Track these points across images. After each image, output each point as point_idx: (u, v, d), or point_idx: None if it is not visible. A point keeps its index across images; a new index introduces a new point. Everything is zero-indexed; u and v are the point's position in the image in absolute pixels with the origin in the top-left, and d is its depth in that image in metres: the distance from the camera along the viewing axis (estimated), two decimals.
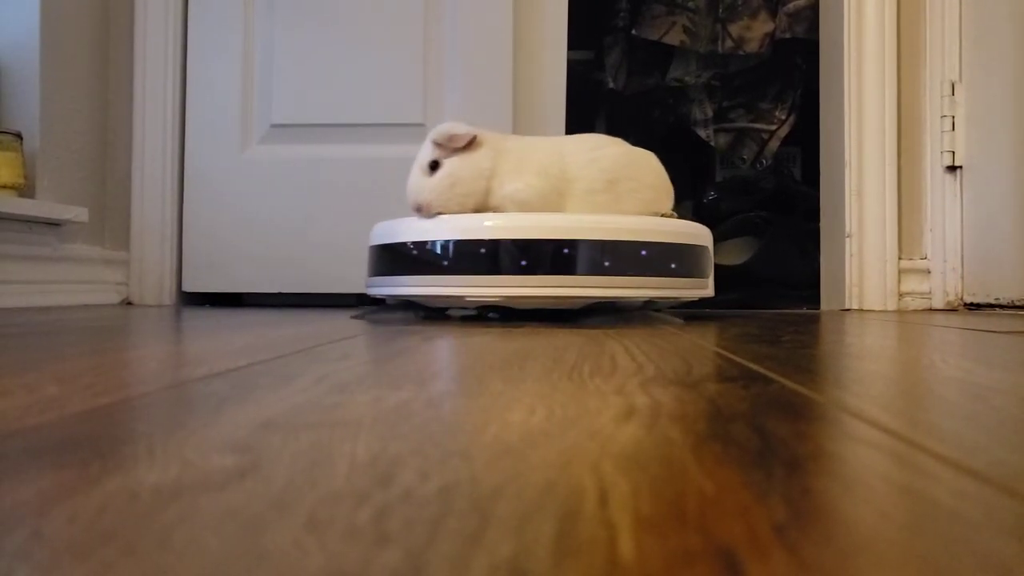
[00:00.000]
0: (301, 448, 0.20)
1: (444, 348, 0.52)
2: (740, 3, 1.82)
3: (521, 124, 1.33)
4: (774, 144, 1.87)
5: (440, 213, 0.82)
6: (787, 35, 1.80)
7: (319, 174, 1.34)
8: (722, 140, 1.90)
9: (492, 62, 1.31)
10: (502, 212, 0.82)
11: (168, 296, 1.34)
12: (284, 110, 1.35)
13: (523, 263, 0.77)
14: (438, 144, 0.83)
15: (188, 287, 1.35)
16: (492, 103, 1.31)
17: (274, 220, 1.33)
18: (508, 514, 0.14)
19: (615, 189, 0.84)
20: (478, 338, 0.58)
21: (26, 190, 1.14)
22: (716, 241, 1.90)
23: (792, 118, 1.86)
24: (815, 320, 0.98)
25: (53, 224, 1.19)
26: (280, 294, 1.34)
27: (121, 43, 1.35)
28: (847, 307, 1.28)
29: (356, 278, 1.32)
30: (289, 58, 1.34)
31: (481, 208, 0.82)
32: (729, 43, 1.82)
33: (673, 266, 0.80)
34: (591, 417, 0.25)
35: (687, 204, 2.00)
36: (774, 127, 1.87)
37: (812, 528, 0.14)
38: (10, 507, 0.15)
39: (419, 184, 0.84)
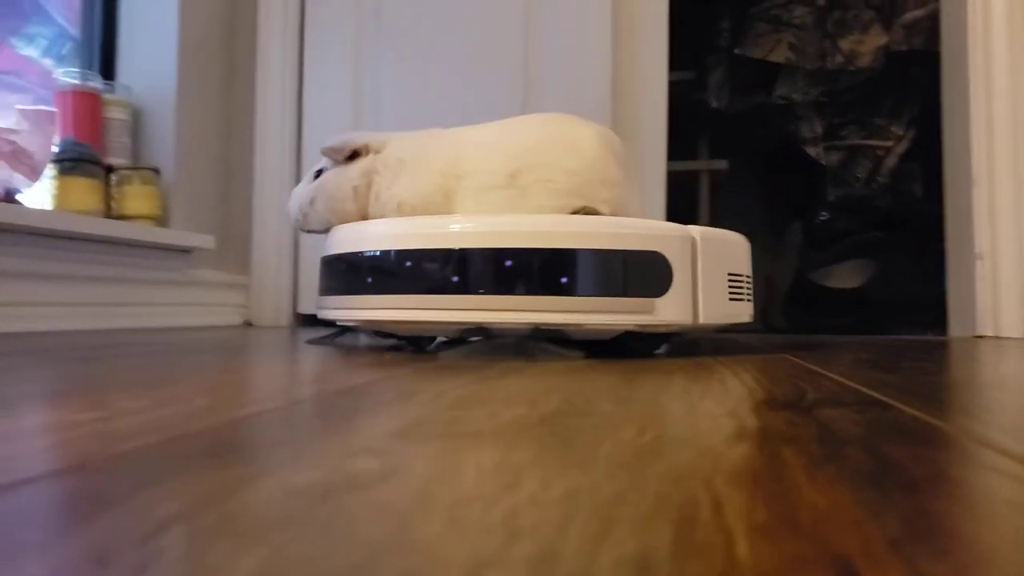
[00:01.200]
0: (431, 455, 0.22)
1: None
2: (850, 17, 1.77)
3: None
4: (891, 161, 1.80)
5: (309, 228, 0.76)
6: (903, 47, 1.73)
7: None
8: (833, 158, 1.84)
9: (590, 86, 1.33)
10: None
11: (284, 317, 1.43)
12: None
13: (368, 280, 0.66)
14: (325, 153, 0.76)
15: (303, 309, 1.43)
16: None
17: None
18: (629, 516, 0.15)
19: (518, 181, 0.67)
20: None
21: (162, 220, 1.25)
22: (828, 264, 1.85)
23: (911, 133, 1.78)
24: (940, 347, 0.94)
25: (184, 251, 1.29)
26: None
27: (243, 82, 1.46)
28: (980, 334, 1.20)
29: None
30: (396, 87, 1.40)
31: (361, 218, 0.74)
32: (839, 58, 1.77)
33: (564, 281, 0.59)
34: (703, 437, 0.26)
35: (796, 225, 1.94)
36: (890, 143, 1.79)
37: (928, 544, 0.14)
38: (196, 496, 0.17)
39: (293, 192, 0.78)
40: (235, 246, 1.44)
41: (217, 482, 0.19)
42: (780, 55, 1.78)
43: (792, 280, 1.88)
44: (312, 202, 0.75)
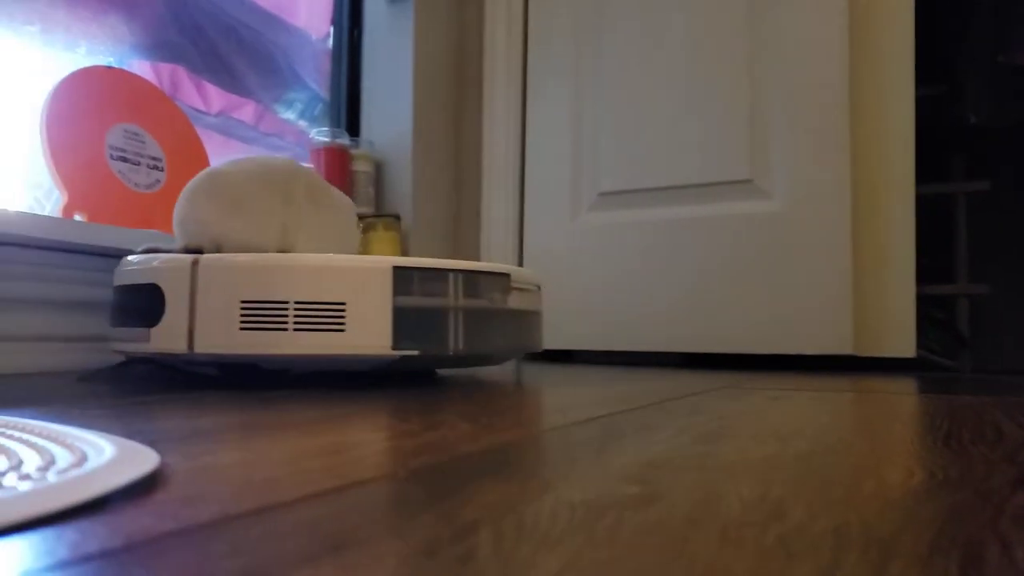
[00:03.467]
0: (689, 484, 0.23)
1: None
2: None
3: (860, 172, 1.26)
4: None
5: None
6: None
7: (644, 236, 1.40)
8: None
9: (823, 106, 1.27)
10: None
11: None
12: (611, 179, 1.45)
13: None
14: None
15: None
16: (824, 152, 1.26)
17: (601, 283, 1.42)
18: (908, 551, 0.15)
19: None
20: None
21: None
22: None
23: None
24: None
25: None
26: (607, 352, 1.42)
27: (471, 131, 1.59)
28: None
29: (681, 336, 1.35)
30: (615, 130, 1.44)
31: None
32: None
33: (113, 314, 0.69)
34: (980, 481, 0.24)
35: None
36: None
37: None
38: (491, 505, 0.20)
39: None
40: None
41: (505, 494, 0.21)
42: None
43: None
44: None
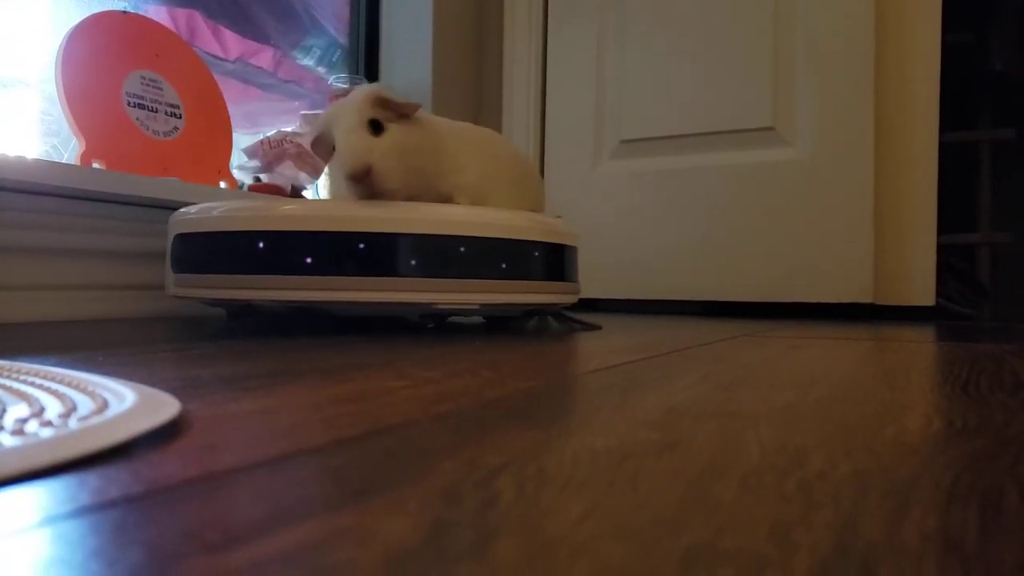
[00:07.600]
0: (710, 431, 0.23)
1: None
2: None
3: (884, 120, 1.23)
4: None
5: (385, 186, 0.66)
6: None
7: (666, 184, 1.39)
8: None
9: (848, 60, 1.23)
10: (452, 202, 0.72)
11: None
12: (633, 126, 1.43)
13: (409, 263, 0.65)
14: (381, 103, 0.67)
15: None
16: (848, 100, 1.23)
17: (622, 231, 1.42)
18: (927, 497, 0.16)
19: (498, 185, 0.78)
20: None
21: None
22: None
23: None
24: None
25: None
26: (628, 300, 1.42)
27: (491, 80, 1.56)
28: None
29: (702, 285, 1.34)
30: (638, 78, 1.41)
31: (424, 192, 0.70)
32: None
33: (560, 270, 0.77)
34: (999, 428, 0.24)
35: None
36: None
37: None
38: (514, 452, 0.21)
39: (366, 143, 0.65)
40: None
41: (528, 441, 0.22)
42: None
43: None
44: (401, 156, 0.67)
